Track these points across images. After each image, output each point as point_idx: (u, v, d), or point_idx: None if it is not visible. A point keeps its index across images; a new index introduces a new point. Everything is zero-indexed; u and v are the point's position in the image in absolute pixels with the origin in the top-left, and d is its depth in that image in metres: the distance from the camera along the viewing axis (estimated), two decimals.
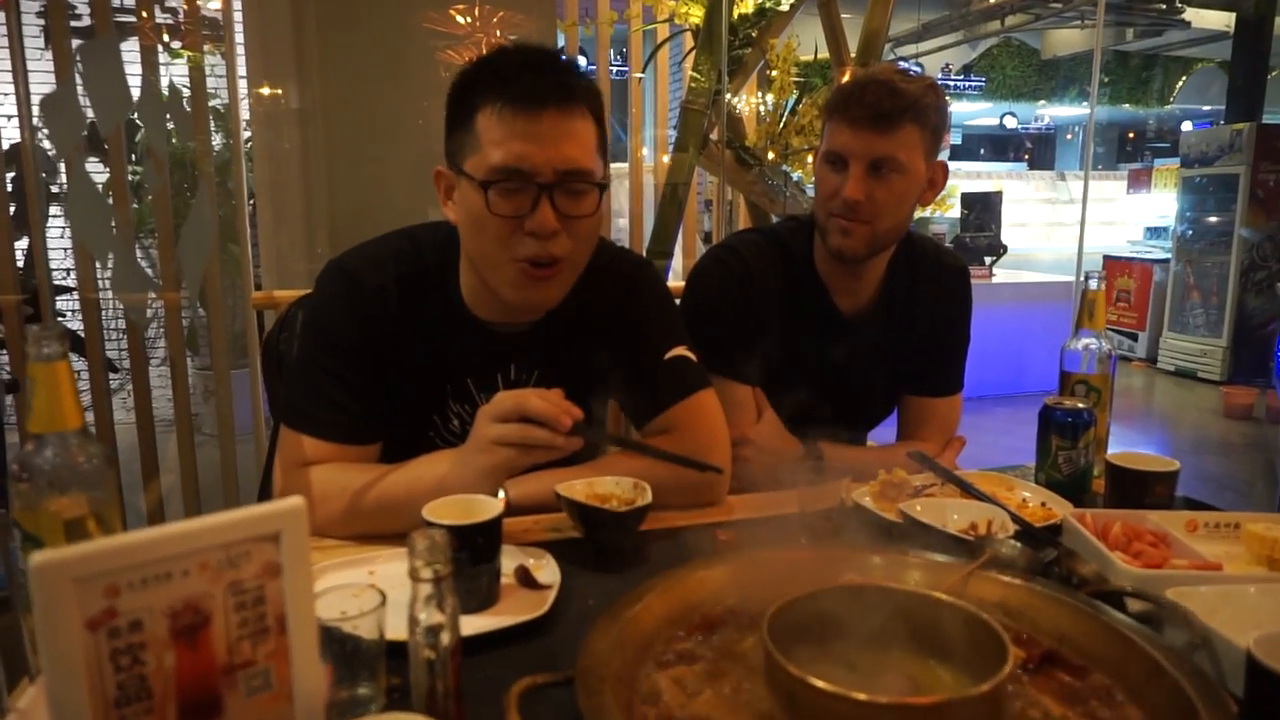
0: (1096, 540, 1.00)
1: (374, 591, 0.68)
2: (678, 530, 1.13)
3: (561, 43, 3.10)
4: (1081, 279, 1.57)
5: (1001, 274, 6.78)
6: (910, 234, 1.52)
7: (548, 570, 0.96)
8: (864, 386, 1.56)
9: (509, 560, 0.95)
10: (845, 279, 1.50)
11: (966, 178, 10.10)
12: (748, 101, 3.69)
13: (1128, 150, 15.19)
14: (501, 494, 1.11)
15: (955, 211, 7.04)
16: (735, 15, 2.97)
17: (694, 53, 2.98)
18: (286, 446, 1.14)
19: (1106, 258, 8.06)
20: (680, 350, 1.26)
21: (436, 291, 1.19)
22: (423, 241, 1.22)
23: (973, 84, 11.31)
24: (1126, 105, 12.76)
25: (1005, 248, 7.08)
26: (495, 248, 1.09)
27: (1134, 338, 7.62)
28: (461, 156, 1.09)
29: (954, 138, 13.57)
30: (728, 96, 3.01)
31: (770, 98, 3.20)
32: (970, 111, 13.17)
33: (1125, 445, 2.82)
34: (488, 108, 1.06)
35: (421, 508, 0.90)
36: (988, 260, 6.86)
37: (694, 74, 2.82)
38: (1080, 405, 1.29)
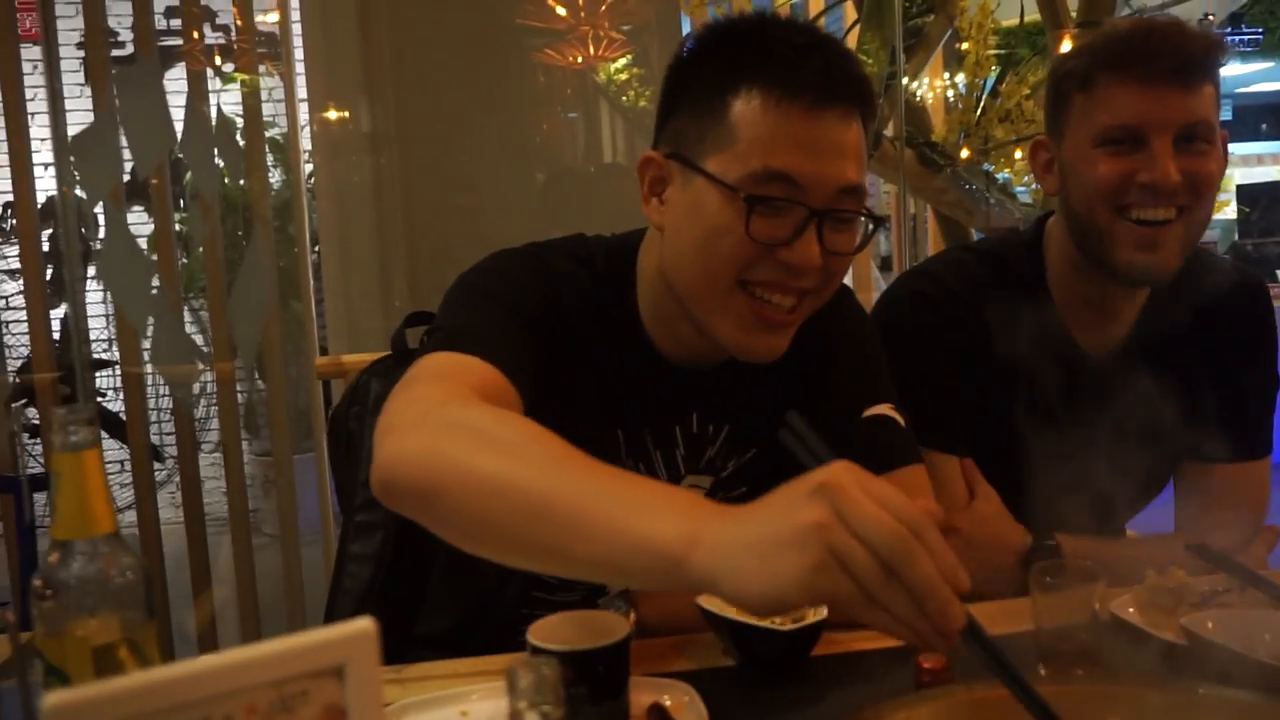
0: None
1: None
2: (863, 655, 1.10)
3: (686, 29, 3.16)
4: None
5: None
6: None
7: (691, 710, 0.94)
8: (1123, 453, 1.48)
9: (640, 696, 0.94)
10: (1093, 309, 1.45)
11: (1243, 164, 9.61)
12: (932, 85, 3.65)
13: None
14: (626, 609, 1.10)
15: (1230, 210, 6.69)
16: None
17: (858, 27, 2.98)
18: (415, 366, 1.06)
19: None
20: (884, 409, 1.25)
21: (615, 310, 1.21)
22: (593, 245, 1.25)
23: (1246, 37, 10.77)
24: None
25: None
26: (726, 269, 1.08)
27: None
28: (700, 148, 1.09)
29: (1224, 111, 12.98)
30: (904, 80, 2.98)
31: (962, 78, 3.15)
32: (1242, 75, 12.51)
33: None
34: (755, 92, 1.06)
35: (557, 538, 0.80)
36: None
37: (859, 54, 2.81)
38: None
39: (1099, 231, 1.34)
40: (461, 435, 0.89)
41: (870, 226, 1.13)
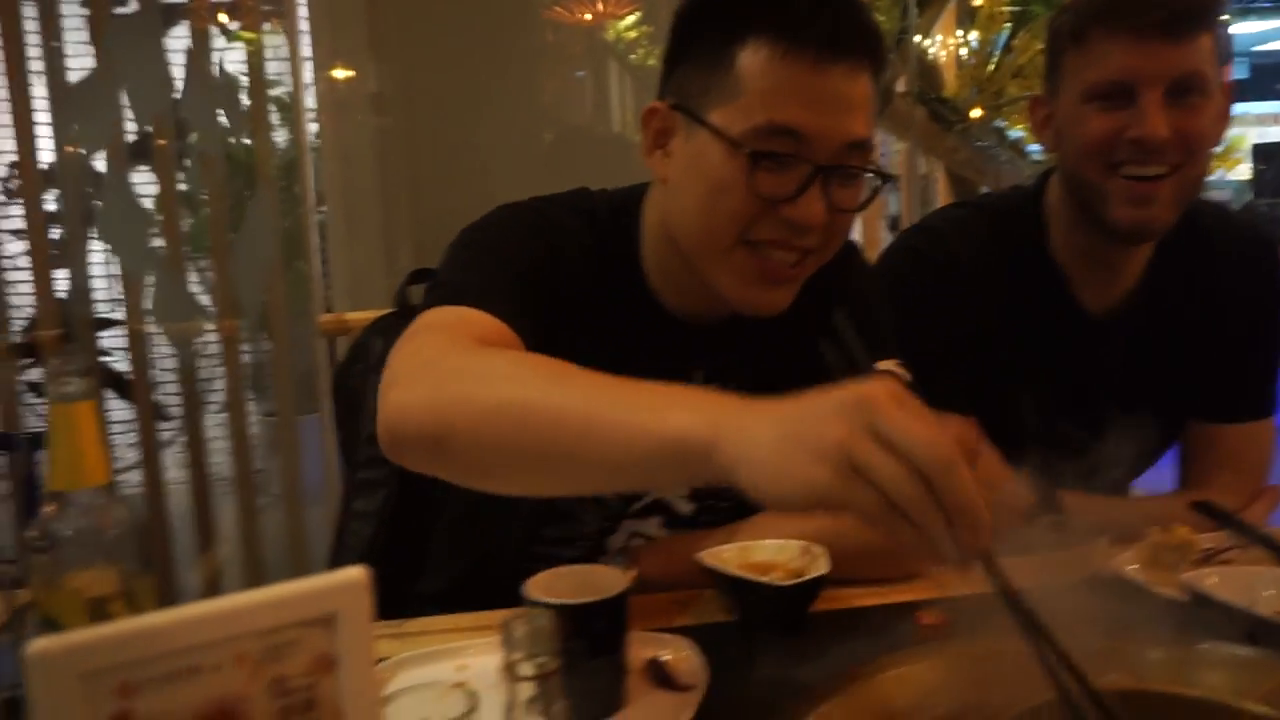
0: None
1: (461, 693, 0.67)
2: (864, 611, 1.11)
3: None
4: None
5: None
6: None
7: (689, 665, 0.95)
8: (1126, 412, 1.48)
9: (638, 651, 0.95)
10: (1095, 266, 1.44)
11: (1258, 123, 9.52)
12: (944, 43, 3.60)
13: None
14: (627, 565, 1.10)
15: (1244, 169, 6.64)
16: None
17: None
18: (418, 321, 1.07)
19: None
20: (890, 364, 1.24)
21: (618, 264, 1.20)
22: (597, 199, 1.24)
23: None
24: None
25: None
26: (729, 226, 1.07)
27: None
28: (704, 100, 1.08)
29: (1238, 69, 12.80)
30: (916, 37, 2.94)
31: (975, 35, 3.12)
32: (1259, 32, 12.36)
33: None
34: (762, 43, 1.04)
35: (577, 449, 0.80)
36: None
37: (871, 9, 2.78)
38: None
39: (1092, 188, 1.34)
40: (465, 376, 0.90)
41: (878, 183, 1.12)
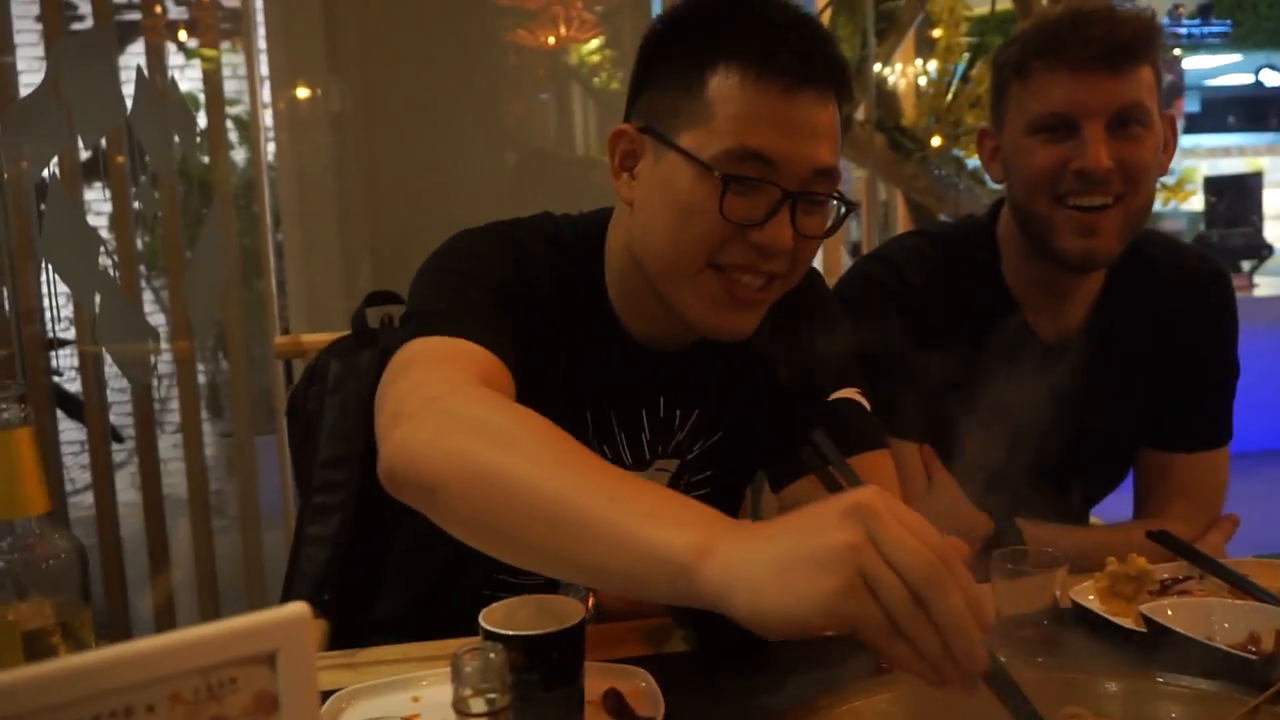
0: None
1: None
2: (823, 642, 1.06)
3: (658, 9, 3.14)
4: None
5: (1266, 284, 6.45)
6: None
7: (648, 696, 0.94)
8: (1081, 439, 1.48)
9: (595, 682, 0.93)
10: (1047, 293, 1.45)
11: (1210, 155, 9.71)
12: (903, 72, 3.64)
13: None
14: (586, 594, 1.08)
15: (1197, 201, 6.77)
16: None
17: (830, 10, 2.96)
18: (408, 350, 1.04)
19: None
20: (849, 392, 1.25)
21: (584, 289, 1.20)
22: (561, 223, 1.24)
23: (1214, 30, 10.86)
24: None
25: (1271, 249, 6.77)
26: (697, 250, 1.07)
27: None
28: (674, 123, 1.08)
29: (1190, 103, 13.07)
30: (876, 66, 2.97)
31: (933, 64, 3.15)
32: (1213, 67, 12.63)
33: None
34: (733, 69, 1.04)
35: (564, 542, 0.78)
36: (1246, 265, 6.56)
37: None
38: None
39: (1039, 219, 1.36)
40: (468, 427, 0.88)
41: (842, 211, 1.12)
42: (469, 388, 0.95)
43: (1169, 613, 1.02)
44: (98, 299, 2.60)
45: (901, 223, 3.44)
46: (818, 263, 2.98)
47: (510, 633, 0.84)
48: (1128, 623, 1.06)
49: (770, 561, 0.70)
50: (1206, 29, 10.82)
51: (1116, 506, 1.60)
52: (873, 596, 0.67)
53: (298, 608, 0.51)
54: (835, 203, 1.11)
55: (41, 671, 0.44)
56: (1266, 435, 5.54)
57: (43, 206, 2.72)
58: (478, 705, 0.60)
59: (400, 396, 0.95)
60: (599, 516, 0.77)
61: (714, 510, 0.78)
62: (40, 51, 2.91)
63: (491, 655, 0.60)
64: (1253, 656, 0.93)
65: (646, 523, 0.75)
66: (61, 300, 4.29)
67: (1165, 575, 1.17)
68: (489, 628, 0.86)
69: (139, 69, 2.63)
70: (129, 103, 2.61)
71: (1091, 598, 1.13)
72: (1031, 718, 0.73)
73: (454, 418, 0.90)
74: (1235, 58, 12.02)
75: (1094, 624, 1.08)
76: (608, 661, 0.99)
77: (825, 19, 2.97)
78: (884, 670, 0.94)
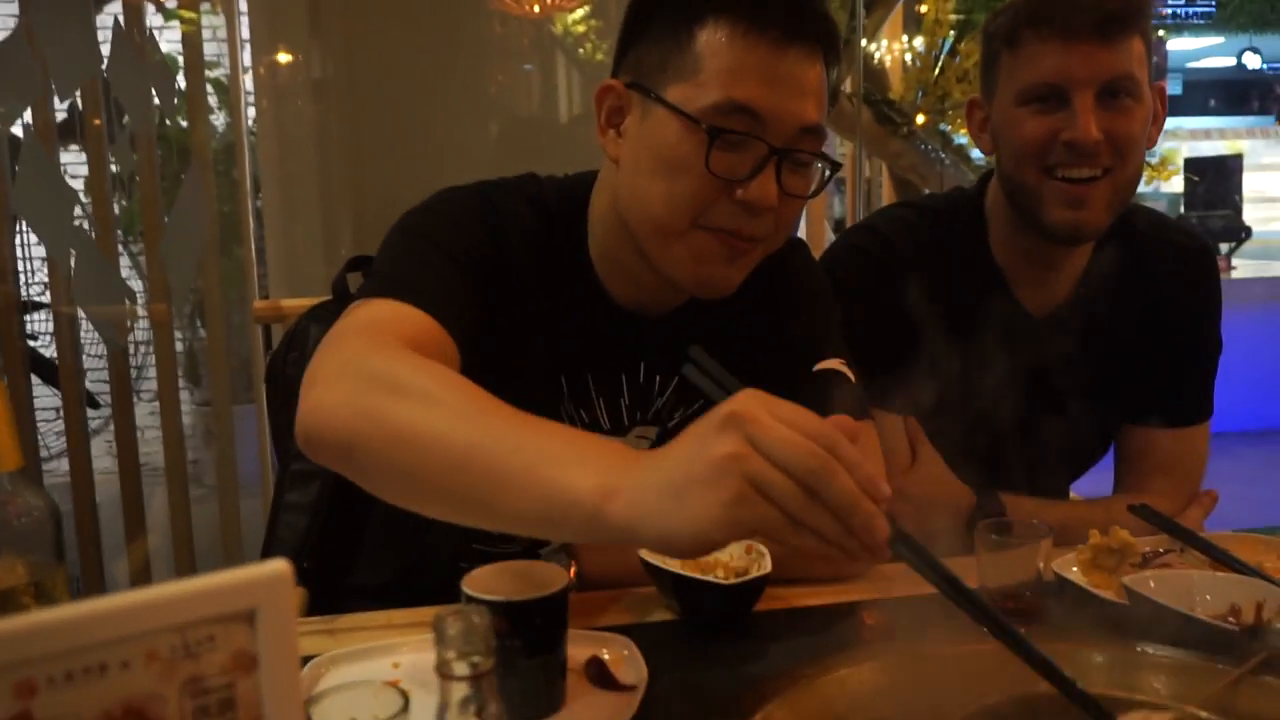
0: None
1: (394, 692, 0.65)
2: (807, 611, 1.09)
3: None
4: None
5: (1244, 266, 6.51)
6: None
7: (630, 664, 0.93)
8: (1065, 414, 1.49)
9: (577, 650, 0.92)
10: (1034, 266, 1.45)
11: (1192, 137, 9.77)
12: (890, 46, 3.63)
13: None
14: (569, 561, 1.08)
15: (1177, 182, 6.80)
16: None
17: None
18: (348, 314, 1.04)
19: None
20: (834, 363, 1.24)
21: (565, 252, 1.19)
22: (546, 185, 1.23)
23: (1198, 10, 10.90)
24: None
25: (1249, 231, 6.81)
26: (684, 207, 1.06)
27: None
28: (661, 77, 1.07)
29: (1172, 85, 13.12)
30: (863, 40, 2.96)
31: (920, 40, 3.14)
32: (1195, 49, 12.70)
33: None
34: (723, 23, 1.04)
35: (477, 492, 0.79)
36: (1224, 248, 6.61)
37: None
38: None
39: (1028, 190, 1.35)
40: (380, 386, 0.88)
41: (826, 172, 1.11)
42: (386, 349, 0.94)
43: (1151, 585, 1.03)
44: (73, 256, 2.55)
45: (886, 198, 3.43)
46: (801, 235, 2.98)
47: (495, 598, 0.84)
48: (1110, 595, 1.06)
49: (664, 488, 0.71)
50: (1191, 9, 10.85)
51: (1094, 483, 1.61)
52: (765, 499, 0.68)
53: (278, 565, 0.49)
54: (820, 164, 1.10)
55: (11, 625, 0.43)
56: (1243, 416, 5.60)
57: (16, 168, 2.67)
58: (461, 668, 0.59)
59: (320, 361, 0.96)
60: (510, 465, 0.78)
61: (617, 445, 0.80)
62: (14, 8, 2.85)
63: (475, 618, 0.59)
64: (1233, 628, 0.94)
65: (555, 468, 0.76)
66: (36, 264, 4.24)
67: (1147, 548, 1.17)
68: (471, 593, 0.85)
69: (116, 21, 2.58)
70: (105, 60, 2.56)
71: (1075, 570, 1.13)
72: (945, 576, 0.75)
73: (367, 378, 0.90)
74: (1218, 40, 12.08)
75: (1077, 595, 1.08)
76: (590, 630, 0.99)
77: None
78: (869, 639, 0.94)
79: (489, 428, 0.82)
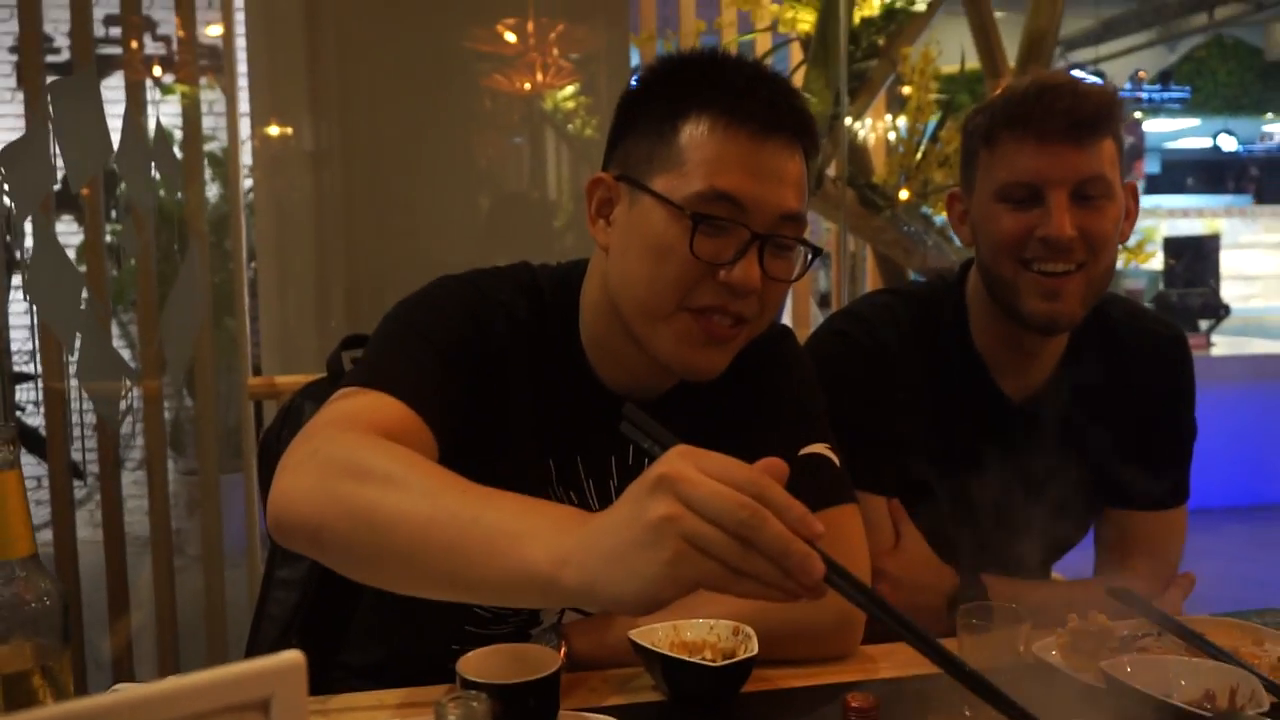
0: None
1: None
2: (793, 693, 1.10)
3: (635, 61, 3.19)
4: None
5: (1224, 343, 6.56)
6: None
7: None
8: (1045, 497, 1.51)
9: None
10: (1013, 353, 1.47)
11: (1170, 216, 9.89)
12: (874, 127, 3.71)
13: None
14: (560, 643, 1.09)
15: (1156, 261, 6.88)
16: (856, 20, 3.01)
17: (803, 68, 3.02)
18: (328, 405, 1.07)
19: None
20: (819, 448, 1.26)
21: (557, 338, 1.22)
22: (539, 273, 1.26)
23: (1174, 95, 11.15)
24: None
25: (1227, 309, 6.86)
26: (670, 291, 1.10)
27: None
28: (648, 169, 1.12)
29: (1150, 164, 13.35)
30: (848, 121, 3.03)
31: (903, 121, 3.22)
32: (1172, 131, 12.94)
33: None
34: (704, 117, 1.10)
35: (440, 567, 0.83)
36: (1203, 325, 6.66)
37: (805, 94, 2.85)
38: None
39: (1005, 282, 1.39)
40: (345, 471, 0.91)
41: (809, 256, 1.15)
42: (354, 435, 0.98)
43: (1128, 669, 1.03)
44: (78, 338, 2.56)
45: (870, 274, 3.48)
46: (787, 313, 3.03)
47: (489, 681, 0.85)
48: (1089, 678, 1.06)
49: (609, 555, 0.76)
50: (1166, 94, 11.10)
51: (1076, 561, 1.62)
52: (703, 554, 0.72)
53: (292, 655, 0.52)
54: (803, 248, 1.14)
55: (38, 717, 0.45)
56: (1224, 492, 5.61)
57: (8, 239, 2.68)
58: None
59: (291, 450, 0.99)
60: (467, 540, 0.82)
61: (568, 511, 0.84)
62: (12, 82, 2.90)
63: (475, 704, 0.61)
64: (1208, 714, 0.94)
65: (508, 541, 0.81)
66: (23, 336, 4.24)
67: (1125, 631, 1.17)
68: (467, 676, 0.87)
69: (126, 111, 2.63)
70: (115, 140, 2.60)
71: (1054, 653, 1.13)
72: (876, 601, 0.78)
73: (332, 464, 0.93)
74: (1194, 122, 12.32)
75: (1056, 679, 1.08)
76: (581, 710, 0.99)
77: (800, 76, 3.03)
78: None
79: (447, 504, 0.85)
